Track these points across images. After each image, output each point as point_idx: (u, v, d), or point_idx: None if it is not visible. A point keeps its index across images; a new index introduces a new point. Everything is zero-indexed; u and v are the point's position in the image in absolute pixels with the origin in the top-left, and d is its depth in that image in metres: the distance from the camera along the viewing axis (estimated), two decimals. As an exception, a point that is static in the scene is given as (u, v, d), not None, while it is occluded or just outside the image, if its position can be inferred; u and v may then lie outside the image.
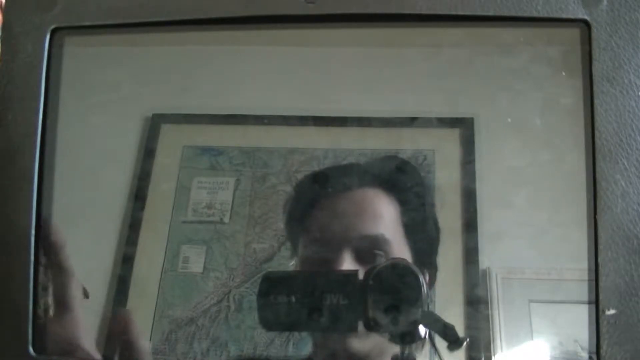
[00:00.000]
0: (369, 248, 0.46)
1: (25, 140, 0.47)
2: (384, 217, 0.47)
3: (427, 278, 0.46)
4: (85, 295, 0.48)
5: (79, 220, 0.49)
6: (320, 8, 0.46)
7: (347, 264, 0.45)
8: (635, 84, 0.43)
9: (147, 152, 0.51)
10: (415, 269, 0.43)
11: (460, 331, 0.43)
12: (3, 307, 0.45)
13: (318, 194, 0.48)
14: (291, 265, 0.47)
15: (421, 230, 0.47)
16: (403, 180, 0.48)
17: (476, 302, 0.44)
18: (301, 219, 0.48)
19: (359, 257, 0.45)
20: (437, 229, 0.47)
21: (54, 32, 0.48)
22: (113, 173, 0.50)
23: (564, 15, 0.44)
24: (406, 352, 0.43)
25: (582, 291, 0.42)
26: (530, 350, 0.43)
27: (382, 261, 0.45)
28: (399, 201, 0.47)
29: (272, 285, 0.43)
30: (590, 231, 0.42)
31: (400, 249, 0.46)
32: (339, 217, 0.47)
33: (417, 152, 0.48)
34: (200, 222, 0.50)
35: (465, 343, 0.43)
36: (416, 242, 0.46)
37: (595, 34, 0.44)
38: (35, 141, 0.47)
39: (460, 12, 0.45)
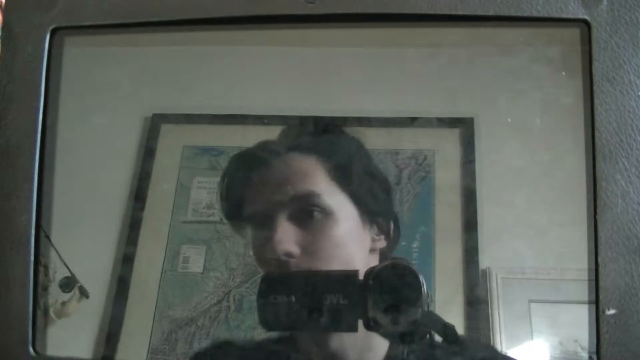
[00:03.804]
0: (302, 206, 0.46)
1: (25, 140, 0.47)
2: (310, 175, 0.47)
3: (392, 228, 0.47)
4: (85, 295, 0.48)
5: (79, 220, 0.49)
6: (320, 8, 0.46)
7: (284, 227, 0.46)
8: (635, 84, 0.43)
9: (147, 152, 0.51)
10: (416, 268, 0.43)
11: (460, 331, 0.43)
12: (3, 307, 0.45)
13: (244, 173, 0.48)
14: (250, 254, 0.48)
15: (359, 182, 0.47)
16: (322, 139, 0.49)
17: (476, 302, 0.44)
18: (236, 203, 0.48)
19: (296, 218, 0.46)
20: (382, 178, 0.48)
21: (54, 32, 0.48)
22: (113, 173, 0.50)
23: (564, 15, 0.44)
24: (406, 352, 0.43)
25: (582, 291, 0.42)
26: (530, 350, 0.43)
27: (319, 217, 0.46)
28: (324, 160, 0.48)
29: (272, 285, 0.43)
30: (590, 231, 0.42)
31: (339, 202, 0.47)
32: (267, 187, 0.47)
33: (417, 152, 0.48)
34: (200, 222, 0.50)
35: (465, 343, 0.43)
36: (357, 194, 0.47)
37: (595, 34, 0.44)
38: (35, 141, 0.47)
39: (460, 12, 0.45)
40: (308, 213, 0.46)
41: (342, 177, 0.47)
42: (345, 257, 0.46)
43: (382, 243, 0.47)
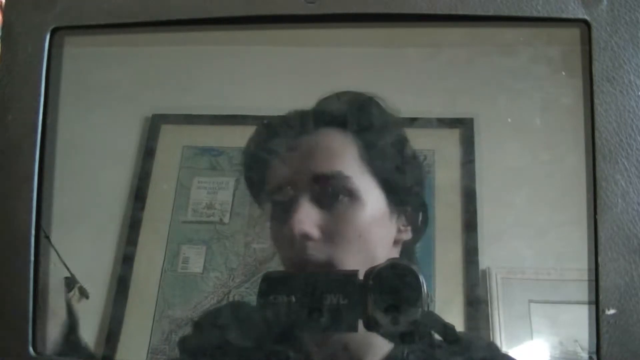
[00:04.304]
0: (327, 187, 0.44)
1: (25, 140, 0.47)
2: (340, 155, 0.45)
3: (420, 219, 0.45)
4: (85, 295, 0.48)
5: (79, 220, 0.49)
6: (320, 8, 0.46)
7: (306, 207, 0.44)
8: (635, 84, 0.43)
9: (147, 152, 0.51)
10: (416, 268, 0.43)
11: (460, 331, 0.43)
12: (3, 307, 0.45)
13: (272, 143, 0.47)
14: (267, 226, 0.46)
15: (391, 167, 0.46)
16: (358, 117, 0.47)
17: (476, 302, 0.44)
18: (259, 174, 0.47)
19: (320, 199, 0.44)
20: (418, 164, 0.46)
21: (54, 32, 0.48)
22: (113, 173, 0.50)
23: (564, 15, 0.44)
24: (406, 352, 0.43)
25: (582, 291, 0.42)
26: (530, 350, 0.43)
27: (345, 200, 0.44)
28: (357, 138, 0.46)
29: (272, 285, 0.43)
30: (590, 231, 0.42)
31: (367, 186, 0.45)
32: (293, 162, 0.46)
33: (417, 152, 0.48)
34: (200, 222, 0.50)
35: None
36: (388, 179, 0.45)
37: (595, 34, 0.44)
38: (35, 141, 0.47)
39: (460, 12, 0.45)
40: (333, 195, 0.44)
41: (374, 159, 0.45)
42: (366, 246, 0.44)
43: (408, 235, 0.45)
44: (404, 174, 0.46)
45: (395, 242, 0.45)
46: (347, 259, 0.44)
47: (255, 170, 0.48)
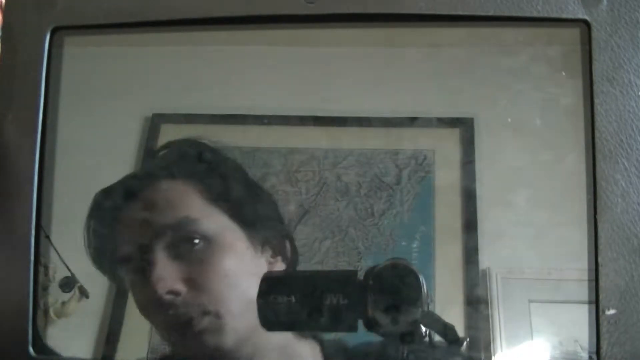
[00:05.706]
0: (180, 236, 0.44)
1: (25, 140, 0.47)
2: (182, 201, 0.45)
3: (288, 247, 0.44)
4: (85, 295, 0.48)
5: (79, 220, 0.49)
6: (320, 8, 0.46)
7: (163, 262, 0.43)
8: (635, 84, 0.43)
9: (147, 152, 0.51)
10: (415, 269, 0.43)
11: (460, 331, 0.43)
12: (3, 307, 0.45)
13: (111, 212, 0.46)
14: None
15: (238, 203, 0.45)
16: (188, 163, 0.47)
17: (476, 302, 0.44)
18: (105, 243, 0.46)
19: (175, 250, 0.44)
20: (265, 194, 0.45)
21: (54, 32, 0.48)
22: (113, 173, 0.50)
23: (564, 15, 0.44)
24: (406, 352, 0.43)
25: (582, 291, 0.42)
26: (530, 350, 0.43)
27: (201, 245, 0.43)
28: (195, 182, 0.46)
29: (272, 285, 0.43)
30: (590, 231, 0.42)
31: (220, 226, 0.44)
32: (138, 222, 0.46)
33: (417, 152, 0.48)
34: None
35: (465, 343, 0.43)
36: (240, 214, 0.45)
37: (595, 34, 0.44)
38: (35, 141, 0.47)
39: (460, 12, 0.45)
40: (188, 243, 0.43)
41: (220, 197, 0.45)
42: (238, 286, 0.44)
43: (279, 265, 0.45)
44: (255, 206, 0.46)
45: None
46: (223, 304, 0.43)
47: (100, 240, 0.47)
